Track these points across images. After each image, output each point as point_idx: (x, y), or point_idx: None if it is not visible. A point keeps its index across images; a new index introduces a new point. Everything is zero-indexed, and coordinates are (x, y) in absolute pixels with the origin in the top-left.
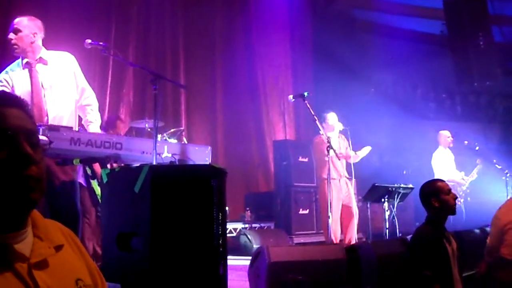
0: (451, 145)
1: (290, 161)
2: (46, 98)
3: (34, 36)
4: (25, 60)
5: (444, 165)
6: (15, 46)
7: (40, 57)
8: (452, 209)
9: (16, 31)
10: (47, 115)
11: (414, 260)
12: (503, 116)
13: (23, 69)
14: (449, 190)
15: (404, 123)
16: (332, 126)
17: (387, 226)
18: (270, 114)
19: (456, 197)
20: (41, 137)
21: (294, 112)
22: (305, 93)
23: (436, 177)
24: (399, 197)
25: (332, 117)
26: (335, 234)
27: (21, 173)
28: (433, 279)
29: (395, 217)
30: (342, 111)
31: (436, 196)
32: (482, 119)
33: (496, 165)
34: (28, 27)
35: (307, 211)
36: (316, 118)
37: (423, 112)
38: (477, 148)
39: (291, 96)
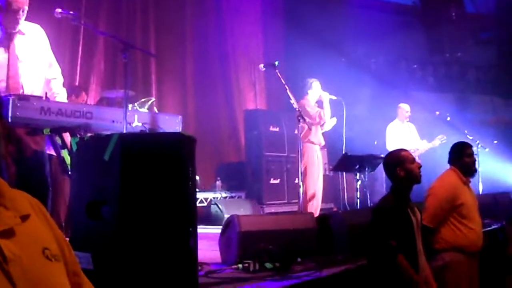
0: (407, 120)
1: (261, 131)
2: (21, 70)
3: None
4: (4, 32)
5: (397, 138)
6: (18, 24)
7: (19, 29)
8: (417, 178)
9: (23, 10)
10: (22, 88)
11: (377, 229)
12: (475, 87)
13: (1, 40)
14: (413, 159)
15: (376, 94)
16: (318, 94)
17: (358, 196)
18: (240, 84)
19: (420, 166)
20: None
21: (265, 82)
22: (276, 62)
23: (388, 148)
24: (370, 167)
25: (316, 86)
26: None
27: None
28: (397, 249)
29: (366, 187)
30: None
31: (401, 165)
32: (454, 90)
33: (467, 136)
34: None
35: (278, 181)
36: (287, 88)
37: (394, 82)
38: (448, 118)
39: (262, 65)
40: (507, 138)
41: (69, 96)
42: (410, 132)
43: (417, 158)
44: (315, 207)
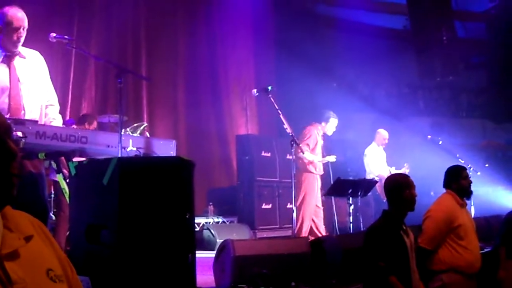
0: (384, 146)
1: (253, 156)
2: (22, 92)
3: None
4: (5, 54)
5: (378, 161)
6: (19, 42)
7: (19, 51)
8: (413, 206)
9: (24, 28)
10: (23, 109)
11: (368, 251)
12: (466, 110)
13: (2, 62)
14: (415, 186)
15: (367, 118)
16: (327, 130)
17: (351, 221)
18: (232, 109)
19: (417, 195)
20: (18, 133)
21: (256, 107)
22: (269, 87)
23: (368, 172)
24: (362, 191)
25: (334, 122)
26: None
27: (7, 171)
28: (387, 270)
29: (359, 212)
30: (304, 106)
31: (409, 189)
32: (445, 114)
33: (459, 159)
34: (26, 20)
35: (270, 206)
36: (280, 112)
37: (385, 107)
38: (440, 142)
39: (255, 90)
40: (498, 162)
41: (80, 124)
42: (383, 157)
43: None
44: (305, 232)
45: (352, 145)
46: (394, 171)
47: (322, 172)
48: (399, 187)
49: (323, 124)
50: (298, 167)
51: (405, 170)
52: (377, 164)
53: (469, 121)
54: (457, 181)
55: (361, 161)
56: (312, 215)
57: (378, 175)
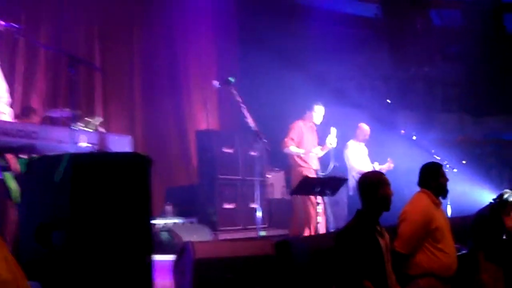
0: (364, 142)
1: (214, 153)
2: None
3: None
4: None
5: (358, 157)
6: None
7: None
8: (389, 205)
9: None
10: None
11: (340, 254)
12: (442, 104)
13: None
14: (390, 184)
15: (337, 112)
16: (314, 118)
17: (319, 221)
18: (192, 102)
19: (393, 194)
20: None
21: (218, 100)
22: (231, 79)
23: (349, 168)
24: (331, 189)
25: (320, 109)
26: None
27: None
28: (361, 273)
29: (327, 211)
30: (269, 98)
31: (382, 188)
32: (420, 107)
33: (435, 156)
34: None
35: (232, 206)
36: (242, 106)
37: (357, 100)
38: (414, 137)
39: (216, 82)
40: (476, 158)
41: (20, 118)
42: (364, 153)
43: None
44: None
45: (320, 140)
46: (377, 166)
47: (317, 167)
48: (373, 185)
49: (307, 113)
50: (290, 164)
51: (389, 165)
52: (357, 160)
53: (445, 115)
54: (436, 180)
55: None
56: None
57: (358, 171)
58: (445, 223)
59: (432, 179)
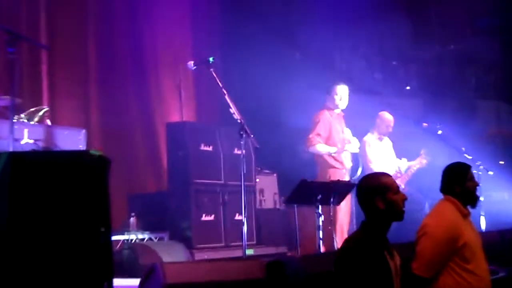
0: (387, 134)
1: (189, 151)
2: None
3: None
4: None
5: (379, 156)
6: None
7: None
8: (399, 214)
9: None
10: None
11: (341, 277)
12: (474, 90)
13: None
14: (398, 188)
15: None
16: (338, 103)
17: (321, 236)
18: (162, 88)
19: (406, 198)
20: None
21: (194, 85)
22: (210, 59)
23: (365, 171)
24: (336, 197)
25: (343, 90)
26: None
27: None
28: None
29: (331, 225)
30: (258, 83)
31: (382, 195)
32: (446, 94)
33: (465, 155)
34: None
35: (212, 217)
36: (226, 92)
37: (366, 85)
38: (439, 132)
39: (191, 63)
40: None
41: None
42: (388, 149)
43: (402, 186)
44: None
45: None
46: (405, 164)
47: (350, 164)
48: (369, 193)
49: (327, 98)
50: (318, 164)
51: (420, 161)
52: (377, 159)
53: (478, 104)
54: (461, 184)
55: None
56: (343, 220)
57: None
58: (476, 239)
59: (457, 184)
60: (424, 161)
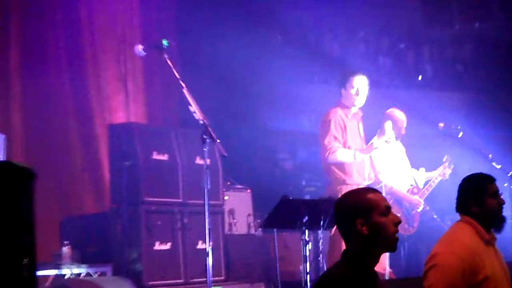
0: (400, 137)
1: (138, 160)
2: None
3: None
4: None
5: (387, 165)
6: None
7: None
8: (390, 241)
9: None
10: None
11: None
12: (502, 81)
13: None
14: (387, 208)
15: (335, 92)
16: (355, 98)
17: (308, 270)
18: (102, 81)
19: (399, 221)
20: None
21: (144, 76)
22: (164, 42)
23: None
24: (327, 219)
25: (361, 82)
26: None
27: None
28: None
29: (322, 254)
30: (227, 73)
31: (365, 216)
32: (468, 86)
33: (493, 164)
34: None
35: (168, 246)
36: (184, 85)
37: (370, 73)
38: (460, 134)
39: (140, 47)
40: None
41: None
42: (400, 156)
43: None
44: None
45: (310, 136)
46: (423, 175)
47: (371, 179)
48: (349, 214)
49: (342, 92)
50: (330, 179)
51: (443, 170)
52: (384, 169)
53: (508, 99)
54: (480, 202)
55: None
56: None
57: (384, 185)
58: (501, 271)
59: (475, 202)
60: (448, 171)
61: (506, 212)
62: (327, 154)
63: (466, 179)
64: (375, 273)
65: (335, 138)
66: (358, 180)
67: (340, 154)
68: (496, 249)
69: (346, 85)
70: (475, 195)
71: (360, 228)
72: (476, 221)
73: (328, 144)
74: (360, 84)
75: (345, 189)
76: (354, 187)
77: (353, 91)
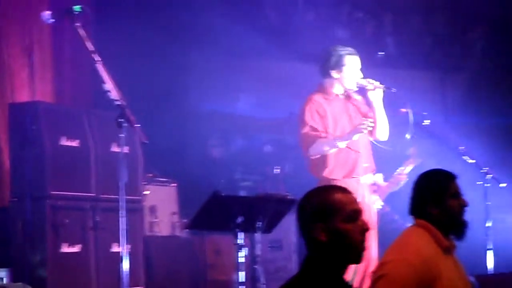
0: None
1: (44, 147)
2: None
3: None
4: None
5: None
6: None
7: None
8: (355, 253)
9: None
10: None
11: None
12: (481, 59)
13: None
14: (356, 213)
15: (276, 71)
16: (345, 81)
17: (243, 279)
18: (2, 53)
19: (366, 229)
20: None
21: (51, 48)
22: (77, 8)
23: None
24: (266, 220)
25: (353, 64)
26: None
27: None
28: None
29: (259, 262)
30: (150, 46)
31: (325, 221)
32: (439, 65)
33: (465, 158)
34: None
35: (77, 248)
36: (98, 60)
37: (317, 50)
38: (426, 122)
39: (47, 14)
40: None
41: None
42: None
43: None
44: None
45: (243, 129)
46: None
47: (369, 170)
48: (308, 217)
49: (334, 74)
50: (315, 175)
51: (411, 163)
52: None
53: (486, 80)
54: (440, 202)
55: (259, 158)
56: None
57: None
58: (461, 284)
59: (433, 203)
60: (408, 168)
61: (476, 215)
62: (306, 146)
63: (423, 176)
64: (347, 284)
65: (312, 128)
66: (347, 174)
67: (318, 145)
68: (455, 258)
69: (338, 66)
70: (434, 194)
71: (318, 234)
72: (434, 226)
73: (305, 134)
74: (351, 62)
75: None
76: (349, 182)
77: (345, 75)
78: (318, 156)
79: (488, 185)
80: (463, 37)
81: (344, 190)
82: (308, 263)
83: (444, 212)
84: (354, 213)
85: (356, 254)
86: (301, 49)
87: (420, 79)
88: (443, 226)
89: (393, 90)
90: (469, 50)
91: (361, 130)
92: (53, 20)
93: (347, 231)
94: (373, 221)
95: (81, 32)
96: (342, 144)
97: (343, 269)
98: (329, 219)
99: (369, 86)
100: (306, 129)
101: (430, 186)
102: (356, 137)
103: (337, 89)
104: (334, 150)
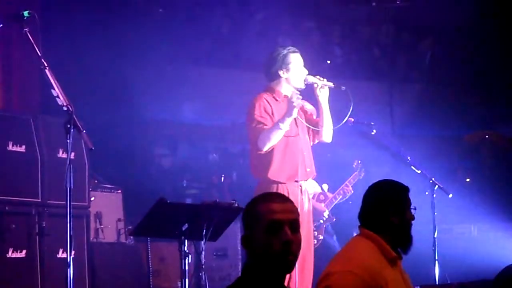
0: None
1: None
2: None
3: None
4: None
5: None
6: None
7: None
8: (277, 263)
9: None
10: None
11: None
12: (429, 69)
13: None
14: (277, 223)
15: (229, 76)
16: (291, 79)
17: (187, 287)
18: None
19: (290, 240)
20: None
21: (3, 53)
22: (25, 13)
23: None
24: (213, 228)
25: (296, 61)
26: None
27: None
28: None
29: (204, 269)
30: (98, 52)
31: (250, 230)
32: (386, 75)
33: (413, 167)
34: None
35: (23, 254)
36: (46, 65)
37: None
38: (373, 132)
39: None
40: (496, 173)
41: None
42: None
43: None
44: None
45: (192, 131)
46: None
47: (310, 175)
48: (243, 226)
49: (282, 74)
50: (257, 177)
51: (357, 177)
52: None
53: (434, 87)
54: (385, 216)
55: (208, 163)
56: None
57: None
58: None
59: (381, 215)
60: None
61: (427, 225)
62: (253, 142)
63: (379, 187)
64: None
65: (259, 122)
66: (291, 177)
67: (264, 135)
68: (402, 269)
69: (284, 65)
70: (395, 204)
71: (244, 243)
72: (381, 237)
73: (253, 130)
74: (295, 61)
75: (274, 188)
76: (283, 185)
77: (292, 74)
78: (268, 151)
79: (435, 195)
80: (411, 49)
81: (272, 198)
82: (244, 270)
83: (404, 222)
84: (274, 223)
85: (279, 264)
86: (245, 57)
87: (368, 90)
88: (393, 237)
89: (343, 88)
90: (417, 62)
91: (293, 105)
92: (1, 24)
93: (264, 241)
94: (310, 229)
95: (30, 37)
96: (285, 126)
97: (276, 277)
98: (252, 228)
99: (319, 83)
100: (254, 124)
101: (390, 197)
102: (295, 112)
103: (285, 90)
104: (280, 135)
